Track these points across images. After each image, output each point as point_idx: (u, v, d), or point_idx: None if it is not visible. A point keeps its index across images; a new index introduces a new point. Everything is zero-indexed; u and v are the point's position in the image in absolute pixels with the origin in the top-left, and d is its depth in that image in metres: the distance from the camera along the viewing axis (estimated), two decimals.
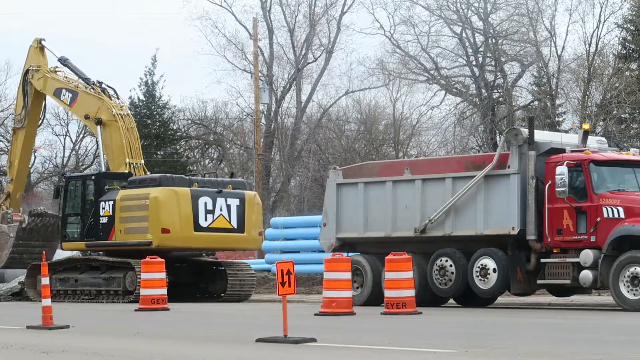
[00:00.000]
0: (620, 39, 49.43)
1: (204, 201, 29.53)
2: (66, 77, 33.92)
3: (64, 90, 33.39)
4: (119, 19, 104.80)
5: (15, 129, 35.91)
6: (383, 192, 24.62)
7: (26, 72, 34.92)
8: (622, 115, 47.93)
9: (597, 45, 49.29)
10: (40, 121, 36.87)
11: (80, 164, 75.48)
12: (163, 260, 24.62)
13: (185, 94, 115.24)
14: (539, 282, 22.58)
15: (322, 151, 59.50)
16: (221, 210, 29.75)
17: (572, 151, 22.43)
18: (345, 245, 25.55)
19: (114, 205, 29.93)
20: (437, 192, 23.72)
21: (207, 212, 29.55)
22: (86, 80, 33.04)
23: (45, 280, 18.39)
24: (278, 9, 59.79)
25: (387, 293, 20.45)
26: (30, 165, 40.43)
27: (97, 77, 33.51)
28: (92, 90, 32.59)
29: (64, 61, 34.35)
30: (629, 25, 49.10)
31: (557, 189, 21.70)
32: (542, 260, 22.34)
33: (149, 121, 62.08)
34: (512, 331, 16.26)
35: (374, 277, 24.66)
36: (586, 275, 21.43)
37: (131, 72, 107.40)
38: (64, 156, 77.64)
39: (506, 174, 22.70)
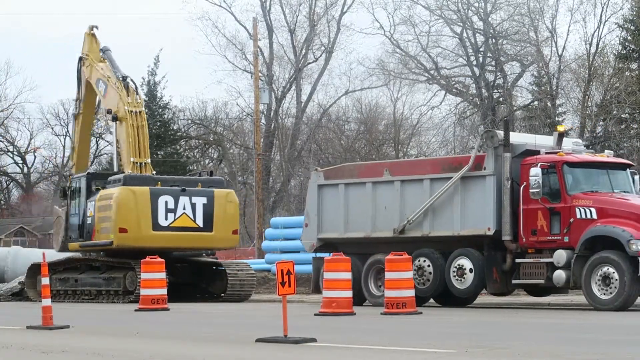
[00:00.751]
0: (621, 39, 49.47)
1: (165, 200, 29.35)
2: (103, 69, 33.46)
3: (100, 81, 33.01)
4: (120, 19, 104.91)
5: (75, 114, 35.58)
6: (363, 193, 24.86)
7: (80, 59, 34.67)
8: (622, 116, 47.96)
9: (597, 45, 49.36)
10: (97, 108, 36.44)
11: None
12: (163, 260, 24.65)
13: (186, 94, 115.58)
14: (513, 282, 22.83)
15: (322, 151, 59.55)
16: (184, 208, 29.51)
17: (546, 153, 22.71)
18: (326, 245, 25.71)
19: (94, 206, 30.09)
20: (415, 193, 23.98)
21: (167, 211, 29.37)
22: (115, 73, 32.70)
23: (45, 280, 18.39)
24: (278, 9, 59.91)
25: (387, 293, 20.46)
26: (90, 151, 39.28)
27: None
28: (116, 84, 32.47)
29: (104, 51, 33.89)
30: (629, 26, 49.12)
31: (531, 190, 21.98)
32: (517, 260, 22.58)
33: (149, 121, 62.14)
34: (512, 331, 16.27)
35: (353, 277, 24.76)
36: (559, 275, 21.68)
37: (132, 72, 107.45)
38: (63, 156, 77.75)
39: (482, 176, 22.97)
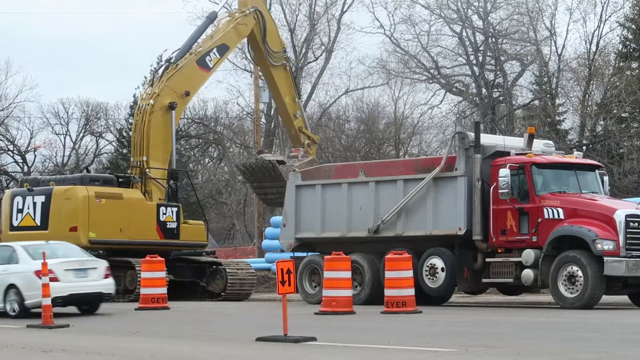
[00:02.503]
0: (622, 37, 49.44)
1: (17, 201, 29.86)
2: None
3: None
4: (121, 18, 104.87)
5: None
6: (339, 193, 25.22)
7: None
8: (622, 115, 47.92)
9: (597, 44, 49.36)
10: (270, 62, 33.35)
11: (80, 162, 75.50)
12: (163, 259, 24.68)
13: None
14: (484, 280, 23.25)
15: (322, 150, 59.52)
16: (28, 208, 29.72)
17: (516, 154, 23.09)
18: (304, 245, 26.13)
19: None
20: (389, 194, 24.35)
21: (18, 211, 29.84)
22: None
23: (45, 280, 18.41)
24: (278, 8, 59.76)
25: (387, 292, 20.49)
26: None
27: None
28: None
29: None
30: (630, 24, 49.09)
31: (500, 191, 22.37)
32: (488, 259, 22.97)
33: None
34: (512, 330, 16.26)
35: None
36: (527, 274, 22.09)
37: (132, 71, 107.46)
38: (64, 155, 77.71)
39: (453, 177, 23.37)
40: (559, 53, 50.77)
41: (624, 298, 23.54)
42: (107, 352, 13.13)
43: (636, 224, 21.52)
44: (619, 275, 21.34)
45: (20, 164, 79.22)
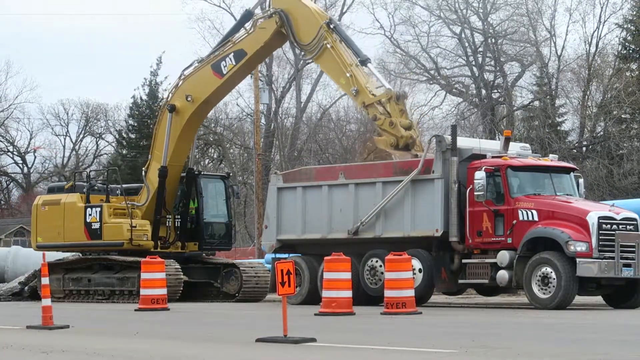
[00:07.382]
0: (621, 39, 49.50)
1: None
2: None
3: None
4: (121, 19, 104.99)
5: None
6: (319, 195, 25.64)
7: None
8: (622, 116, 47.98)
9: (597, 45, 49.42)
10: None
11: (80, 164, 75.55)
12: (163, 260, 24.68)
13: None
14: (460, 281, 23.62)
15: (322, 151, 59.57)
16: None
17: (492, 157, 23.45)
18: (285, 246, 26.61)
19: None
20: (368, 196, 24.78)
21: None
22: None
23: (45, 280, 18.37)
24: None
25: (387, 293, 20.49)
26: None
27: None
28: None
29: None
30: (629, 26, 49.13)
31: (475, 193, 22.74)
32: (464, 260, 23.34)
33: (149, 121, 62.26)
34: (512, 331, 16.26)
35: (310, 278, 25.69)
36: (502, 275, 22.49)
37: (133, 72, 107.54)
38: (63, 156, 77.86)
39: (431, 179, 23.76)
40: (558, 54, 50.92)
41: (599, 299, 23.89)
42: (107, 353, 13.11)
43: (609, 225, 21.87)
44: (591, 276, 21.70)
45: (20, 165, 79.28)
